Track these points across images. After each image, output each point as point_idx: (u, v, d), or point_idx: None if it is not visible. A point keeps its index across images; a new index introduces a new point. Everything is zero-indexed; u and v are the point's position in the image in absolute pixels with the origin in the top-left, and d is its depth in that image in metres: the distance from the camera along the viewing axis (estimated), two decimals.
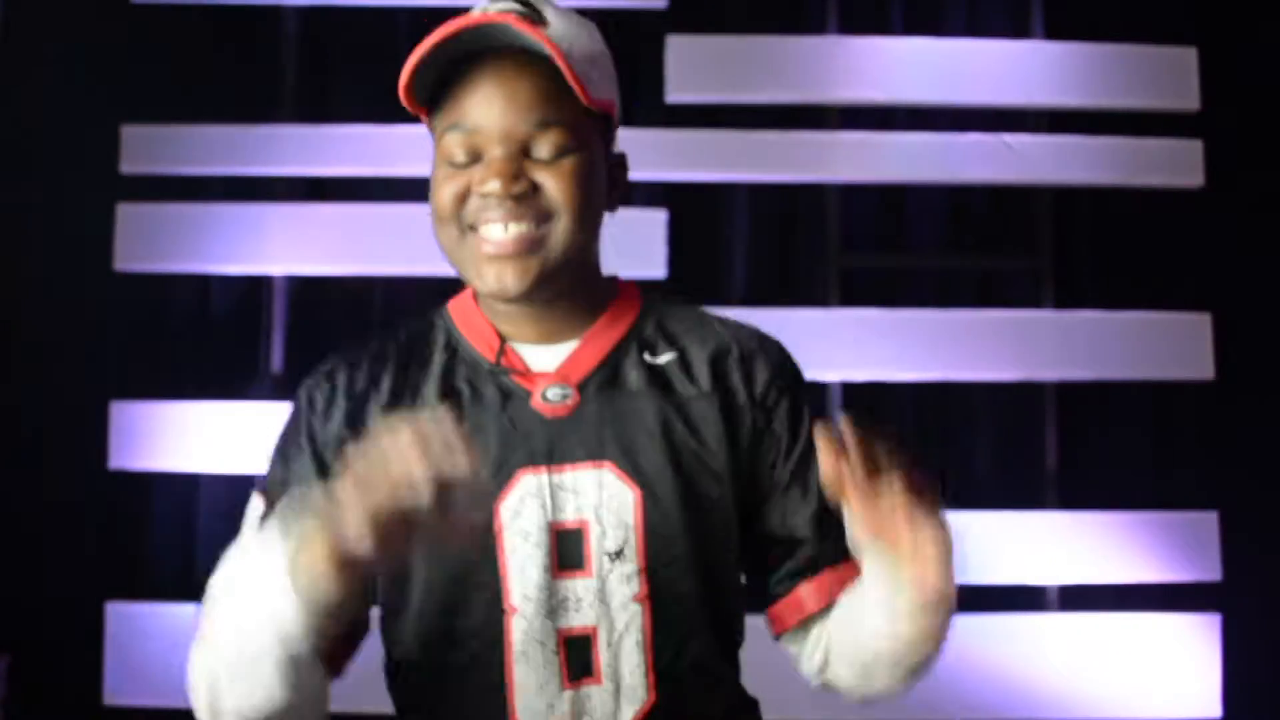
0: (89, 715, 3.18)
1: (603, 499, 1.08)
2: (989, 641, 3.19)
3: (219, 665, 1.01)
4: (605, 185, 1.13)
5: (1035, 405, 3.39)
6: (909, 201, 3.50)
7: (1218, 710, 3.21)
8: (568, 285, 1.12)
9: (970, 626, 3.23)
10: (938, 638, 1.06)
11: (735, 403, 1.13)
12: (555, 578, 1.07)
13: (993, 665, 3.15)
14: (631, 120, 3.71)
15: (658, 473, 1.09)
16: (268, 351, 3.41)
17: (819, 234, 3.41)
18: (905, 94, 3.43)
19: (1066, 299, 3.43)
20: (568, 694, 1.07)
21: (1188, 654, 3.24)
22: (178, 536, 3.35)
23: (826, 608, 1.13)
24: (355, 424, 1.12)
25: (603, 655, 1.07)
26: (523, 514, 1.08)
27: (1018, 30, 3.54)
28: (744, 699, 1.18)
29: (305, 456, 1.13)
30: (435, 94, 1.10)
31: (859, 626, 1.09)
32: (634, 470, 1.09)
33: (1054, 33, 3.50)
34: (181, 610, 3.25)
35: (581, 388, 1.11)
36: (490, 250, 1.07)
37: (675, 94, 3.33)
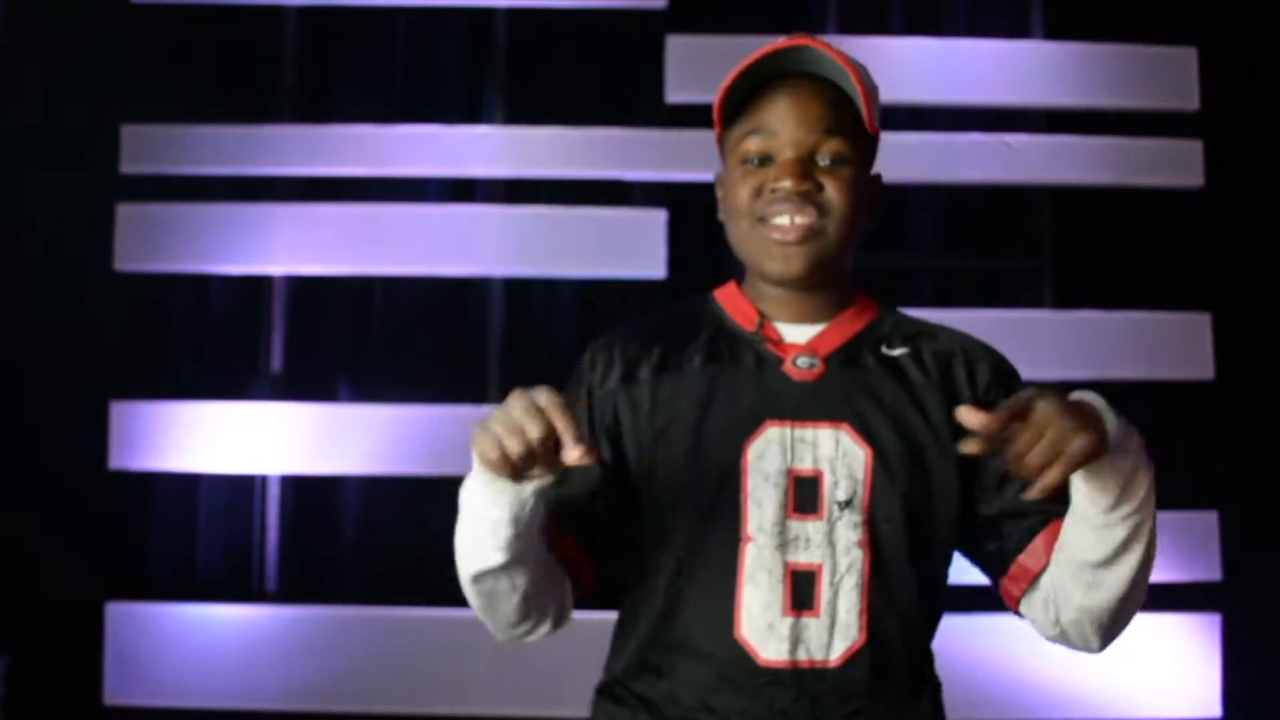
0: (89, 715, 3.19)
1: (838, 454, 1.22)
2: (989, 641, 3.19)
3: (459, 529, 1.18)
4: (868, 201, 1.29)
5: None
6: (909, 201, 3.50)
7: (1218, 710, 3.21)
8: (832, 276, 1.28)
9: (970, 626, 3.24)
10: (1142, 541, 1.13)
11: (960, 397, 1.25)
12: (789, 517, 1.22)
13: (993, 665, 3.15)
14: (631, 120, 3.74)
15: (887, 440, 1.23)
16: (268, 351, 3.42)
17: None
18: (905, 94, 3.43)
19: (1066, 299, 3.43)
20: (788, 620, 1.20)
21: (1188, 654, 3.24)
22: (178, 536, 3.35)
23: (1047, 565, 1.23)
24: (628, 382, 1.28)
25: (824, 592, 1.21)
26: (766, 457, 1.22)
27: (1018, 30, 3.54)
28: (931, 669, 1.28)
29: (581, 408, 1.27)
30: (737, 107, 1.27)
31: (1070, 560, 1.18)
32: (867, 434, 1.23)
33: (1054, 33, 3.50)
34: (181, 610, 3.25)
35: (827, 360, 1.26)
36: (778, 237, 1.24)
37: (675, 94, 3.34)
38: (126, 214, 3.34)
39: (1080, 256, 3.48)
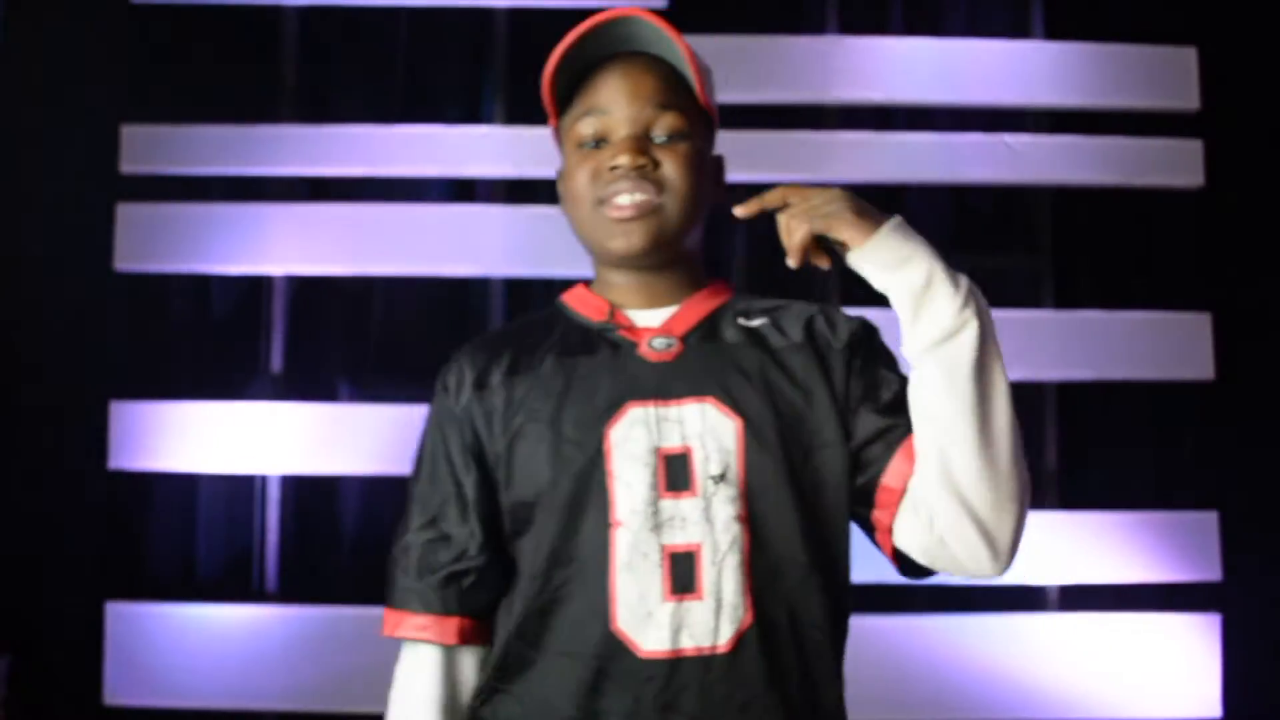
0: (89, 715, 3.18)
1: (706, 427, 1.18)
2: (989, 641, 3.19)
3: None
4: (709, 180, 1.29)
5: (1035, 405, 3.39)
6: (909, 201, 3.50)
7: (1218, 710, 3.21)
8: (676, 255, 1.27)
9: (970, 626, 3.24)
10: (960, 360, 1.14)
11: (828, 351, 1.24)
12: (662, 497, 1.17)
13: (993, 665, 3.15)
14: None
15: (756, 408, 1.20)
16: (268, 351, 3.41)
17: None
18: (905, 94, 3.43)
19: (1066, 299, 3.43)
20: (669, 605, 1.14)
21: (1188, 654, 3.24)
22: (178, 536, 3.35)
23: (910, 477, 1.18)
24: (480, 389, 1.26)
25: (706, 572, 1.15)
26: (631, 438, 1.18)
27: (1018, 30, 3.54)
28: (837, 664, 1.20)
29: (449, 430, 1.27)
30: (568, 95, 1.26)
31: (918, 433, 1.17)
32: (734, 405, 1.19)
33: (1054, 33, 3.50)
34: (181, 610, 3.25)
35: (684, 339, 1.25)
36: (617, 215, 1.22)
37: None
38: (126, 214, 3.33)
39: (1080, 256, 3.48)
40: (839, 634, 1.21)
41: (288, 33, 3.50)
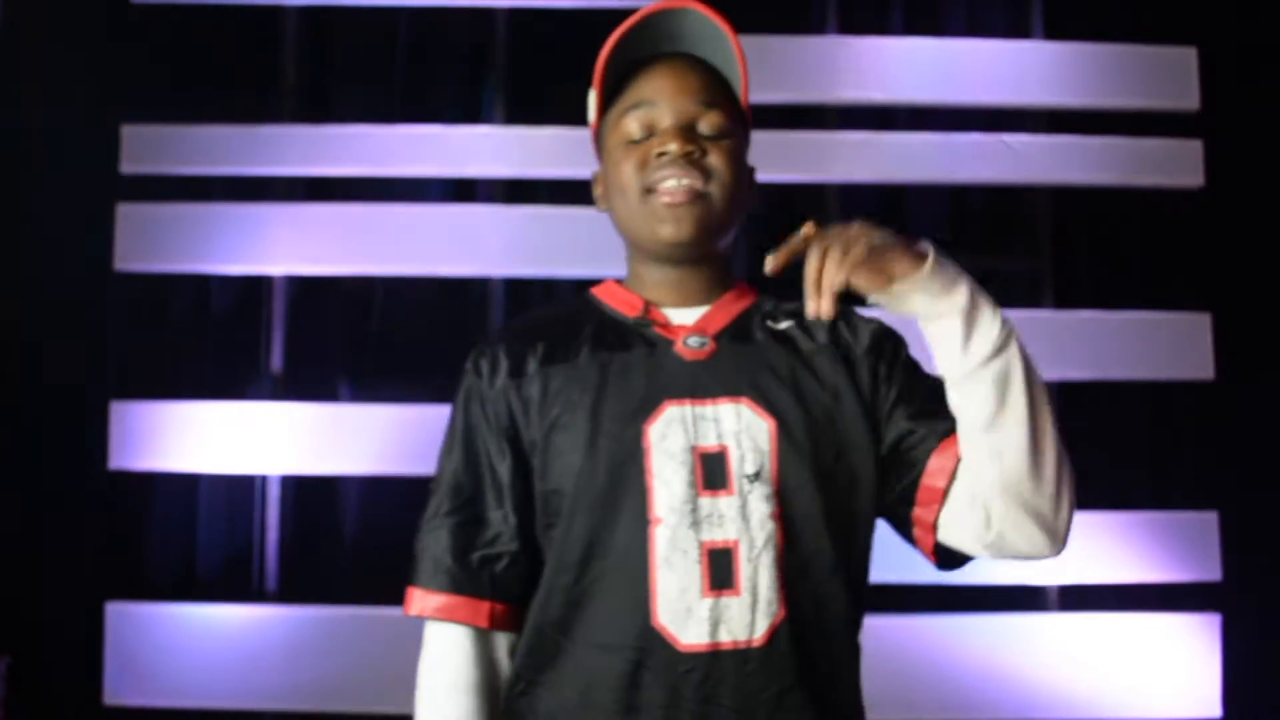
0: (89, 715, 3.18)
1: (741, 427, 1.21)
2: (989, 641, 3.19)
3: None
4: (747, 182, 1.30)
5: None
6: (909, 201, 3.50)
7: (1218, 710, 3.21)
8: (712, 251, 1.29)
9: (970, 626, 3.24)
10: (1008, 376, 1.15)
11: (852, 355, 1.27)
12: (700, 494, 1.19)
13: (993, 665, 3.15)
14: None
15: (788, 408, 1.22)
16: (268, 351, 3.41)
17: None
18: (905, 94, 3.43)
19: (1066, 299, 3.43)
20: (707, 601, 1.16)
21: (1188, 654, 3.24)
22: (178, 536, 3.35)
23: (955, 475, 1.21)
24: (516, 376, 1.26)
25: (743, 569, 1.17)
26: (668, 437, 1.20)
27: (1018, 30, 3.54)
28: (856, 650, 1.24)
29: (483, 413, 1.27)
30: (611, 93, 1.29)
31: (967, 438, 1.19)
32: (768, 405, 1.22)
33: (1054, 33, 3.50)
34: (181, 610, 3.25)
35: (717, 338, 1.26)
36: (666, 200, 1.24)
37: None
38: (126, 214, 3.33)
39: (1080, 256, 3.48)
40: (857, 630, 1.24)
41: (288, 33, 3.50)
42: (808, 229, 1.13)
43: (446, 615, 1.26)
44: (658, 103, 1.25)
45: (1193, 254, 3.39)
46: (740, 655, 1.16)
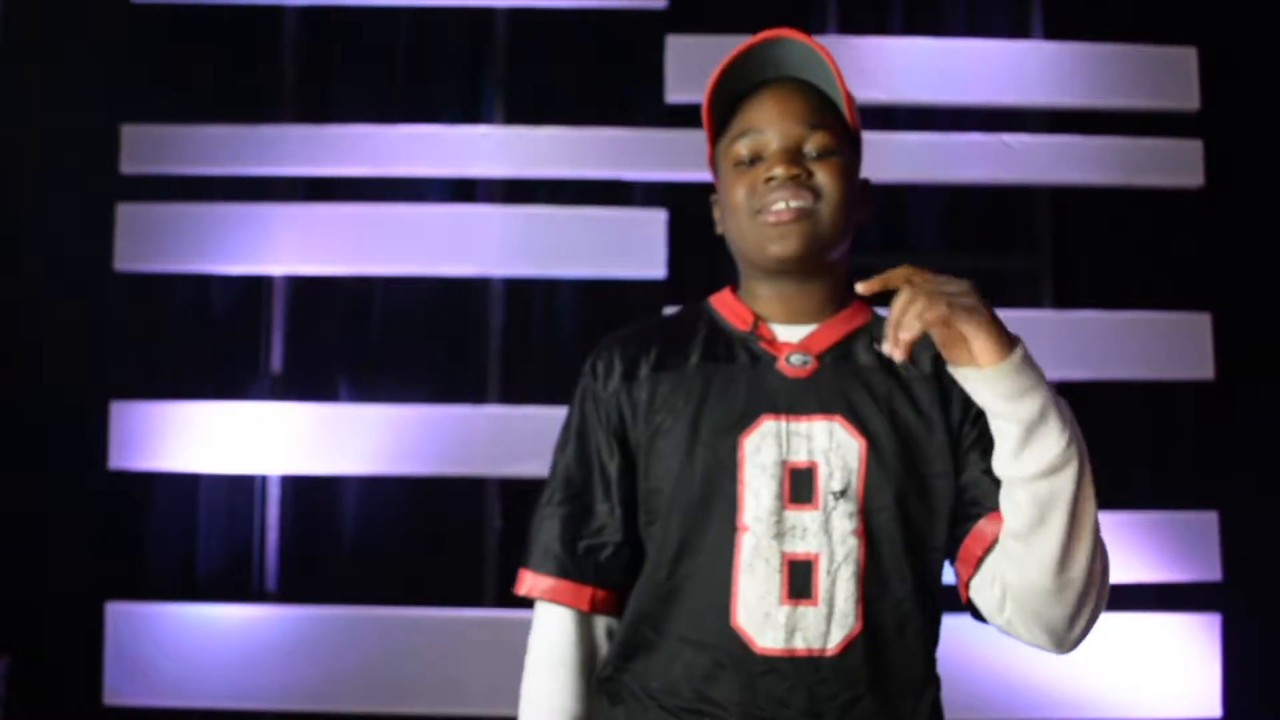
0: (89, 715, 3.18)
1: (832, 445, 1.25)
2: (990, 641, 3.18)
3: None
4: (858, 197, 1.35)
5: None
6: (909, 201, 3.50)
7: (1218, 710, 3.21)
8: (822, 267, 1.32)
9: (970, 627, 3.24)
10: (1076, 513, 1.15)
11: (950, 387, 1.27)
12: (786, 507, 1.24)
13: (993, 665, 3.15)
14: (631, 120, 3.74)
15: (881, 431, 1.26)
16: (268, 351, 3.41)
17: None
18: (905, 94, 3.43)
19: (1066, 299, 3.43)
20: (785, 609, 1.22)
21: (1188, 654, 3.24)
22: (178, 536, 3.35)
23: (992, 545, 1.24)
24: (629, 380, 1.33)
25: (821, 580, 1.23)
26: (762, 450, 1.25)
27: (1018, 30, 3.54)
28: (932, 668, 1.29)
29: (597, 412, 1.34)
30: (723, 120, 1.33)
31: (1004, 530, 1.20)
32: (860, 426, 1.26)
33: (1054, 33, 3.50)
34: (181, 610, 3.25)
35: (820, 358, 1.30)
36: (774, 219, 1.27)
37: (675, 94, 3.33)
38: (126, 214, 3.33)
39: (1080, 256, 3.48)
40: (935, 639, 1.30)
41: (288, 33, 3.50)
42: (906, 269, 1.14)
43: (552, 597, 1.32)
44: (765, 129, 1.30)
45: (1193, 254, 3.39)
46: (813, 662, 1.22)
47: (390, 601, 3.18)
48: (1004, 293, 3.45)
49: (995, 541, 1.23)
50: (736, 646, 1.23)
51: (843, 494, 1.24)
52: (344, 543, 3.37)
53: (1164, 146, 3.40)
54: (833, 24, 3.50)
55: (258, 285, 3.42)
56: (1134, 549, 3.26)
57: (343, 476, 3.34)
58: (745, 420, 1.27)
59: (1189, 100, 3.40)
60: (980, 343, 1.13)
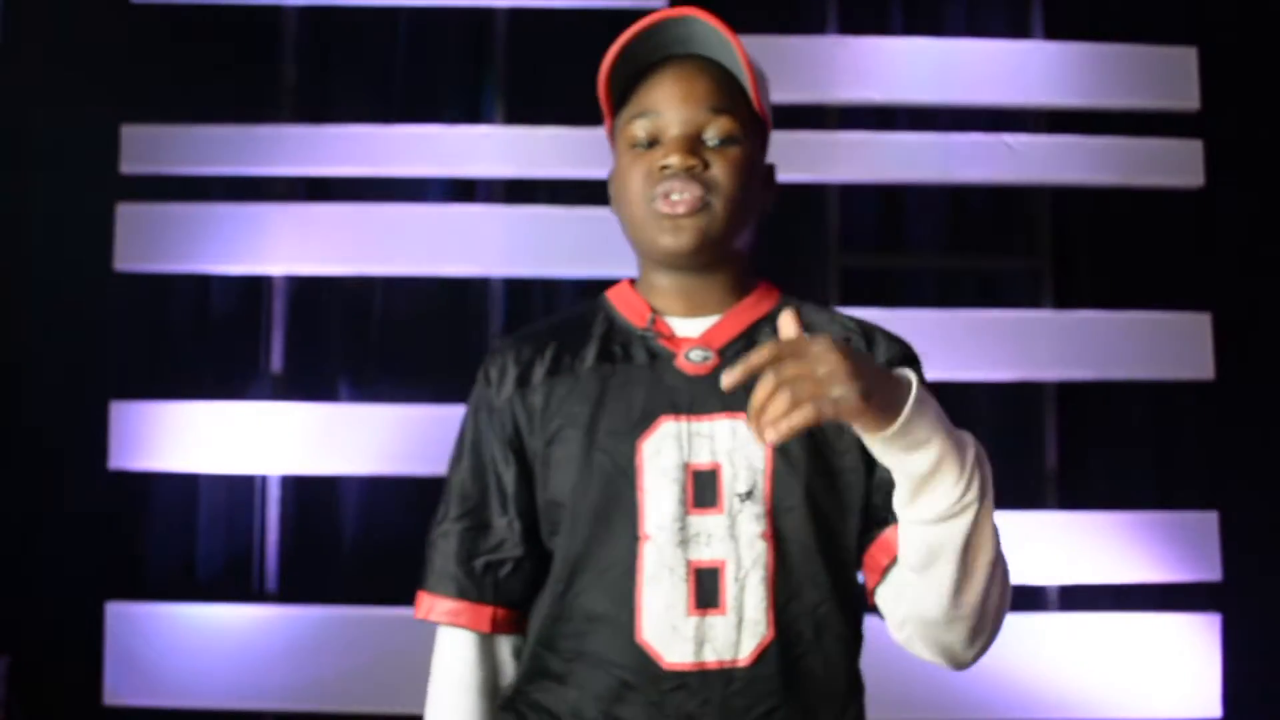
0: (89, 715, 3.18)
1: (735, 445, 1.19)
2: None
3: None
4: (760, 184, 1.27)
5: (1035, 405, 3.39)
6: (909, 201, 3.50)
7: (1218, 710, 3.21)
8: (722, 258, 1.25)
9: None
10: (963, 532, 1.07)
11: None
12: (689, 513, 1.18)
13: (993, 665, 3.14)
14: None
15: None
16: (268, 351, 3.41)
17: (819, 234, 3.41)
18: (905, 94, 3.43)
19: (1066, 299, 3.43)
20: (693, 620, 1.16)
21: (1188, 654, 3.24)
22: (178, 537, 3.35)
23: (896, 559, 1.18)
24: (523, 386, 1.26)
25: (729, 588, 1.16)
26: (662, 453, 1.19)
27: (1018, 30, 3.54)
28: (856, 676, 1.22)
29: (490, 421, 1.28)
30: (622, 96, 1.27)
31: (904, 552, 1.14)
32: None
33: (1054, 33, 3.50)
34: (181, 610, 3.25)
35: (721, 352, 1.24)
36: (667, 210, 1.21)
37: None
38: (126, 214, 3.34)
39: (1080, 256, 3.48)
40: (857, 644, 1.23)
41: (288, 33, 3.50)
42: (771, 349, 1.00)
43: (451, 620, 1.28)
44: (664, 111, 1.23)
45: (1193, 254, 3.39)
46: (725, 675, 1.15)
47: (390, 601, 3.18)
48: (1004, 293, 3.45)
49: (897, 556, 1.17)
50: (643, 663, 1.16)
51: (749, 495, 1.17)
52: (344, 543, 3.37)
53: (1164, 146, 3.40)
54: (833, 24, 3.50)
55: (257, 285, 3.42)
56: (1134, 549, 3.26)
57: (343, 476, 3.34)
58: (643, 422, 1.20)
59: (1189, 100, 3.40)
60: (859, 424, 1.03)
